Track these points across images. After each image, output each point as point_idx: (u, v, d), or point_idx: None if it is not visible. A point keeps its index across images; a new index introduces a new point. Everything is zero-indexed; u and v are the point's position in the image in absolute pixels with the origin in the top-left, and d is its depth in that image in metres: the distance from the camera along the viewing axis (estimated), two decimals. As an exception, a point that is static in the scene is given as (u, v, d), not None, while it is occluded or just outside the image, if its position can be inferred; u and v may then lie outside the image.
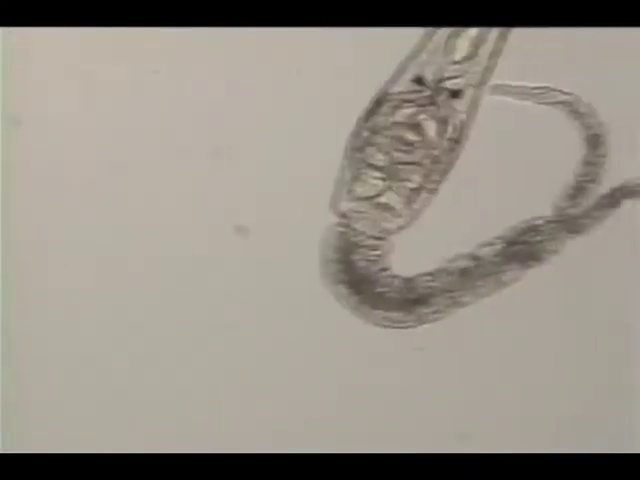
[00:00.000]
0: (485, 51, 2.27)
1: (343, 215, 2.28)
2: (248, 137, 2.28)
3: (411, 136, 2.27)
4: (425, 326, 2.30)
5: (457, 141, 2.28)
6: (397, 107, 2.27)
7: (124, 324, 2.30)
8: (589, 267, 2.32)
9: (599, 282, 2.33)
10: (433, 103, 2.27)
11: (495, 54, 2.27)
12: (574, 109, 2.30)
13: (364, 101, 2.27)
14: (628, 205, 2.30)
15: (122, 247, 2.30)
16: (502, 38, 2.26)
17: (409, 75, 2.27)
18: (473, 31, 2.26)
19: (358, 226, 2.28)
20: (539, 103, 2.30)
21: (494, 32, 2.26)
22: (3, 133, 2.27)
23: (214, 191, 2.29)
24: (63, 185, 2.29)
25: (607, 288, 2.33)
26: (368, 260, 2.29)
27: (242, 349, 2.29)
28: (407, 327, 2.30)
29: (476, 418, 2.33)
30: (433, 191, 2.29)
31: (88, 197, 2.29)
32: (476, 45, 2.27)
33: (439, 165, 2.28)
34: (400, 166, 2.27)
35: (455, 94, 2.28)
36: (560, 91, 2.30)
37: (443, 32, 2.26)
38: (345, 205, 2.28)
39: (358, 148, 2.26)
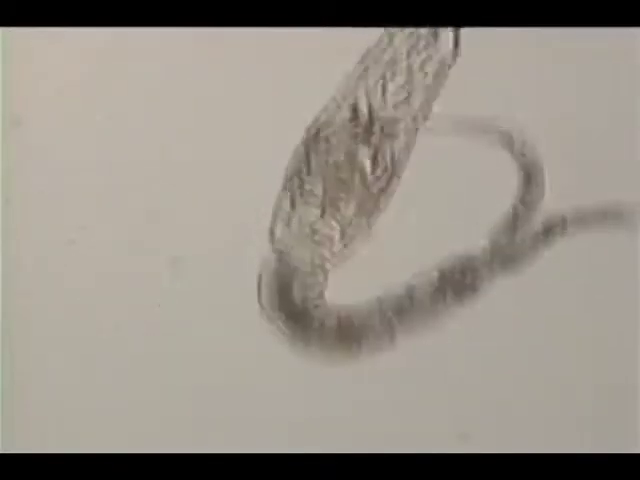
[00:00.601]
0: (420, 85, 2.34)
1: (280, 244, 2.35)
2: (184, 166, 2.38)
3: (347, 167, 2.32)
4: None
5: (393, 173, 2.34)
6: (333, 138, 2.31)
7: (123, 324, 2.39)
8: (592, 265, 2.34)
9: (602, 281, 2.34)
10: (369, 135, 2.33)
11: (432, 88, 2.35)
12: (510, 144, 2.36)
13: (300, 130, 2.34)
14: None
15: (122, 247, 2.37)
16: (441, 72, 2.35)
17: (345, 107, 2.34)
18: (404, 64, 2.33)
19: (295, 255, 2.35)
20: (476, 136, 2.35)
21: (432, 65, 2.33)
22: (3, 133, 2.35)
23: (150, 220, 2.37)
24: (63, 185, 2.38)
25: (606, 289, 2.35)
26: (305, 289, 2.35)
27: (177, 381, 2.37)
28: (344, 358, 2.36)
29: (476, 418, 2.37)
30: (369, 222, 2.36)
31: (88, 197, 2.38)
32: (410, 80, 2.33)
33: (375, 196, 2.34)
34: (336, 196, 2.33)
35: (391, 126, 2.32)
36: (497, 126, 2.36)
37: (379, 66, 2.34)
38: (282, 234, 2.36)
39: (295, 177, 2.33)
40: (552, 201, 2.37)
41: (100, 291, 2.37)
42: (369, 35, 2.32)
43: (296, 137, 2.36)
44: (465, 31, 2.31)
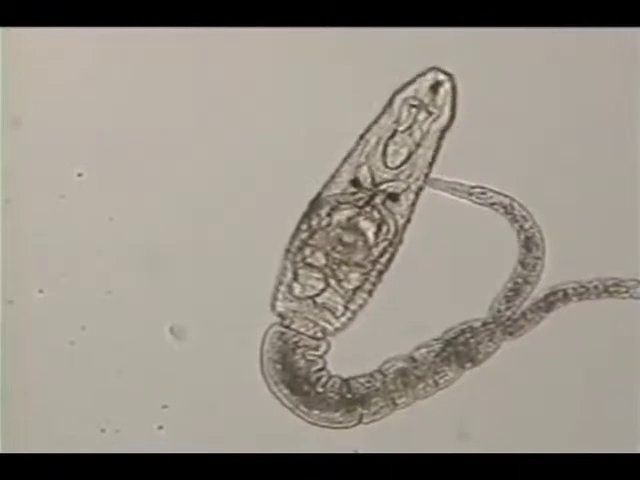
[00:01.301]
0: (421, 155, 2.29)
1: (282, 315, 2.31)
2: (186, 236, 2.33)
3: (349, 237, 2.28)
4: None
5: (394, 242, 2.30)
6: (335, 209, 2.28)
7: (123, 324, 2.33)
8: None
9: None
10: (370, 205, 2.28)
11: (432, 158, 2.30)
12: (510, 211, 2.30)
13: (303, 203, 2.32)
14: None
15: (122, 246, 2.32)
16: (438, 143, 2.29)
17: (346, 177, 2.30)
18: (407, 139, 2.28)
19: (297, 326, 2.31)
20: (475, 202, 2.30)
21: (431, 138, 2.29)
22: (3, 133, 2.28)
23: (150, 290, 2.33)
24: (63, 185, 2.31)
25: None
26: (307, 360, 2.32)
27: (180, 450, 2.30)
28: (345, 428, 2.32)
29: (475, 418, 2.33)
30: (371, 292, 2.31)
31: (88, 197, 2.31)
32: (410, 150, 2.28)
33: (377, 266, 2.30)
34: (338, 267, 2.29)
35: (392, 196, 2.29)
36: (497, 192, 2.30)
37: (377, 137, 2.29)
38: (284, 305, 2.31)
39: (297, 248, 2.29)
40: (553, 270, 2.32)
41: (100, 291, 2.32)
42: (369, 35, 2.25)
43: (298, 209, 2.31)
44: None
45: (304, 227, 2.31)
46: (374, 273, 2.31)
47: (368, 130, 2.30)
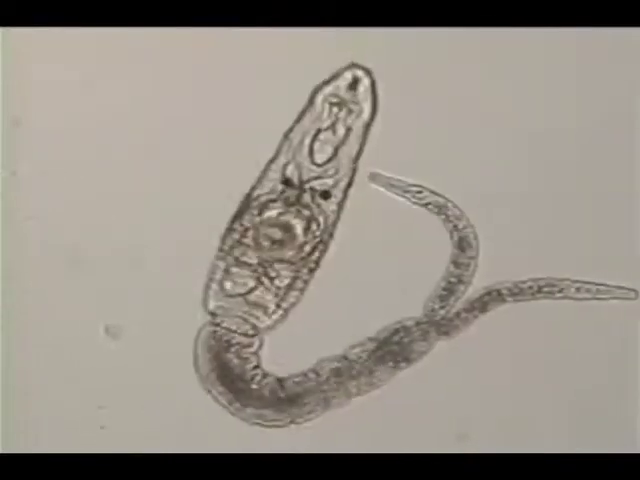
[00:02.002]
0: (346, 153, 2.29)
1: (214, 314, 2.31)
2: (120, 236, 2.33)
3: (280, 235, 2.28)
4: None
5: (325, 239, 2.29)
6: (265, 207, 2.29)
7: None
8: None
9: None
10: (300, 203, 2.29)
11: (357, 153, 2.29)
12: (444, 211, 2.29)
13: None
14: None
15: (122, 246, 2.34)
16: (363, 137, 2.28)
17: (274, 176, 2.30)
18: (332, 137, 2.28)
19: (228, 324, 2.32)
20: (411, 202, 2.29)
21: (355, 134, 2.28)
22: (3, 133, 2.30)
23: (83, 290, 2.33)
24: (63, 185, 2.33)
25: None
26: (241, 358, 2.32)
27: (116, 448, 2.30)
28: (280, 426, 2.32)
29: (474, 418, 2.33)
30: (302, 290, 2.31)
31: (88, 197, 2.33)
32: (336, 147, 2.28)
33: (308, 264, 2.30)
34: (270, 264, 2.30)
35: (323, 194, 2.29)
36: (432, 192, 2.29)
37: (302, 135, 2.29)
38: (216, 303, 2.32)
39: (229, 247, 2.30)
40: (486, 269, 2.31)
41: (100, 291, 2.34)
42: (369, 35, 2.25)
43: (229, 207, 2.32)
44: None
45: (235, 226, 2.31)
46: (305, 270, 2.30)
47: (292, 129, 2.29)
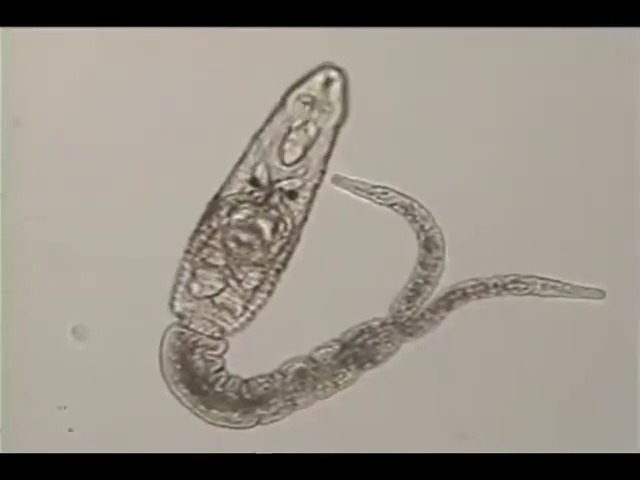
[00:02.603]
0: (316, 153, 2.28)
1: (180, 315, 2.30)
2: (87, 237, 2.33)
3: (247, 237, 2.27)
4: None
5: (293, 240, 2.28)
6: (233, 208, 2.27)
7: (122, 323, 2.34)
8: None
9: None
10: (268, 204, 2.27)
11: (327, 154, 2.29)
12: (410, 212, 2.28)
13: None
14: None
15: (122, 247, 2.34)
16: (332, 139, 2.28)
17: (243, 177, 2.29)
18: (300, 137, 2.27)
19: (195, 326, 2.31)
20: (377, 203, 2.28)
21: (325, 135, 2.28)
22: (3, 133, 2.29)
23: (51, 290, 2.33)
24: (63, 185, 2.32)
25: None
26: (206, 360, 2.31)
27: (80, 449, 2.29)
28: (244, 428, 2.32)
29: (474, 418, 2.33)
30: (270, 292, 2.30)
31: (88, 197, 2.32)
32: (305, 147, 2.26)
33: (275, 265, 2.28)
34: (238, 267, 2.28)
35: (290, 194, 2.27)
36: (398, 193, 2.28)
37: (271, 135, 2.28)
38: (183, 305, 2.30)
39: (196, 249, 2.29)
40: (454, 269, 2.30)
41: (100, 291, 2.33)
42: (369, 35, 2.23)
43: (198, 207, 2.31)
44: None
45: (203, 228, 2.30)
46: (272, 272, 2.29)
47: (262, 129, 2.28)
